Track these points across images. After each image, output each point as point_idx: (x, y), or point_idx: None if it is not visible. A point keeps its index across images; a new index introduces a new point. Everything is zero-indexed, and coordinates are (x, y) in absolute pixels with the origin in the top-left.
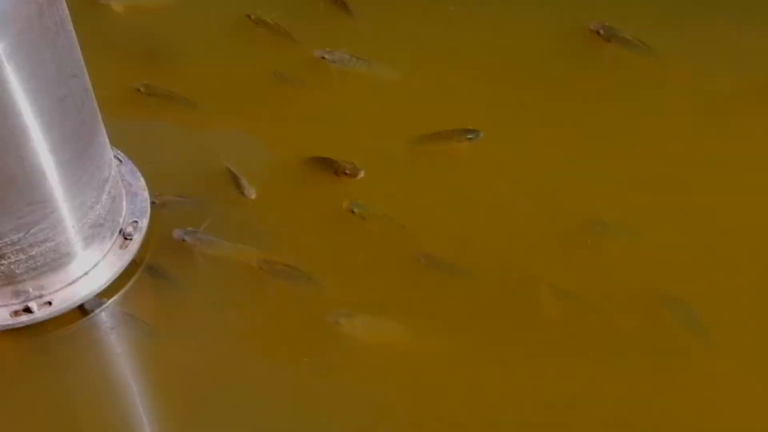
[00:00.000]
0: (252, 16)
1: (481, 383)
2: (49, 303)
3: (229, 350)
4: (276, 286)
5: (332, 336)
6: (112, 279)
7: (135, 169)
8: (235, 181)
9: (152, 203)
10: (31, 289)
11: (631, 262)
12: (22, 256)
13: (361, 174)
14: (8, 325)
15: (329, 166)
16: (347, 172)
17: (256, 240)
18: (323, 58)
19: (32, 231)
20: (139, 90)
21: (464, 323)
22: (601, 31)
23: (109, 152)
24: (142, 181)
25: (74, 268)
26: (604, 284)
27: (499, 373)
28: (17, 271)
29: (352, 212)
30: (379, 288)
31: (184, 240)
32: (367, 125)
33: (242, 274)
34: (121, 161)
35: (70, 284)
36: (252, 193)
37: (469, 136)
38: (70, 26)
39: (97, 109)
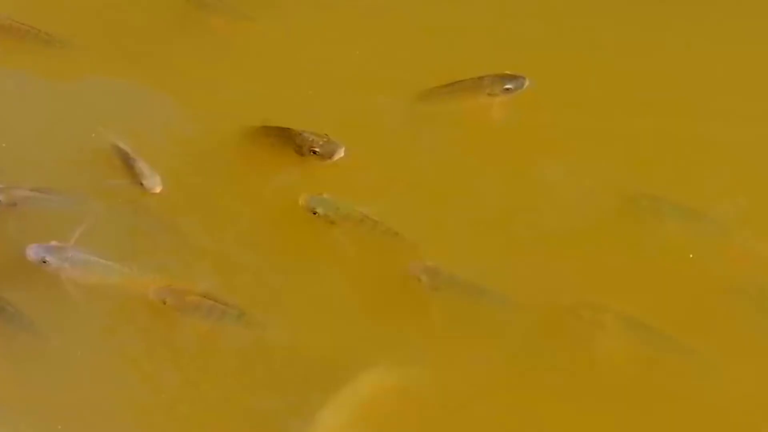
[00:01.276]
0: None
1: None
2: None
3: None
4: (191, 330)
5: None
6: None
7: None
8: (128, 164)
9: None
10: None
11: None
12: None
13: (340, 153)
14: None
15: (288, 140)
16: (316, 149)
17: (159, 258)
18: None
19: None
20: None
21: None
22: None
23: None
24: None
25: None
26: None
27: None
28: None
29: (314, 213)
30: (353, 334)
31: (44, 261)
32: (343, 77)
33: (138, 312)
34: None
35: None
36: (156, 184)
37: (508, 86)
38: None
39: None
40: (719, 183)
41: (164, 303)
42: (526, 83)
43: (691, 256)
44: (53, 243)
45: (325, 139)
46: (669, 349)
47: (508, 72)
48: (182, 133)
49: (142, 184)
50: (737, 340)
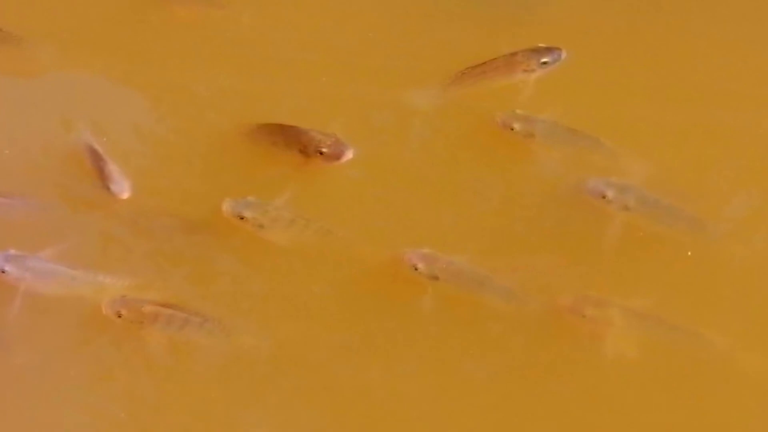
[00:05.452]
0: None
1: None
2: None
3: None
4: (152, 338)
5: None
6: None
7: None
8: (98, 166)
9: None
10: None
11: None
12: None
13: (348, 155)
14: None
15: (292, 139)
16: (323, 150)
17: (127, 266)
18: None
19: None
20: None
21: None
22: None
23: None
24: None
25: None
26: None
27: None
28: None
29: (241, 218)
30: (335, 339)
31: (3, 271)
32: (322, 67)
33: (109, 323)
34: None
35: None
36: (124, 190)
37: (545, 60)
38: None
39: None
40: (723, 178)
41: (119, 316)
42: (564, 55)
43: (689, 253)
44: (11, 251)
45: (333, 139)
46: (681, 340)
47: (542, 45)
48: (152, 130)
49: (109, 188)
50: (746, 328)
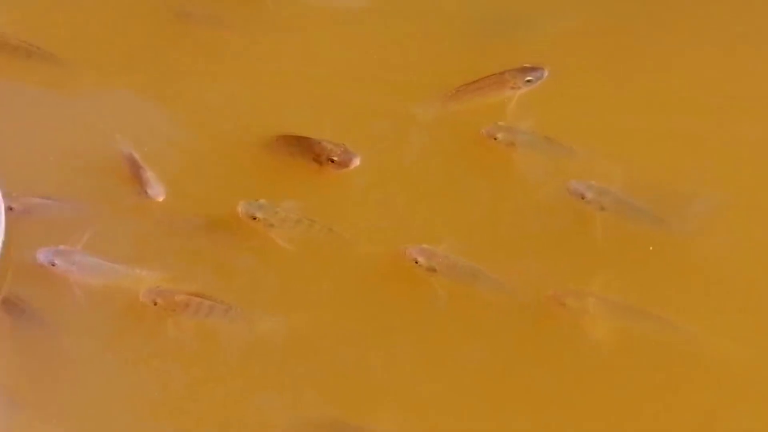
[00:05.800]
0: None
1: None
2: None
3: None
4: (181, 324)
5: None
6: None
7: None
8: (137, 173)
9: (9, 209)
10: None
11: None
12: None
13: (355, 162)
14: None
15: (307, 150)
16: (334, 158)
17: (161, 261)
18: None
19: None
20: None
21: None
22: None
23: None
24: None
25: None
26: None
27: None
28: None
29: (254, 219)
30: (351, 327)
31: (53, 264)
32: (334, 81)
33: (146, 312)
34: None
35: None
36: (160, 193)
37: (529, 78)
38: None
39: None
40: (688, 180)
41: (155, 304)
42: (546, 73)
43: (650, 248)
44: (61, 247)
45: (342, 149)
46: (650, 326)
47: (527, 65)
48: (183, 141)
49: (146, 192)
50: (714, 315)
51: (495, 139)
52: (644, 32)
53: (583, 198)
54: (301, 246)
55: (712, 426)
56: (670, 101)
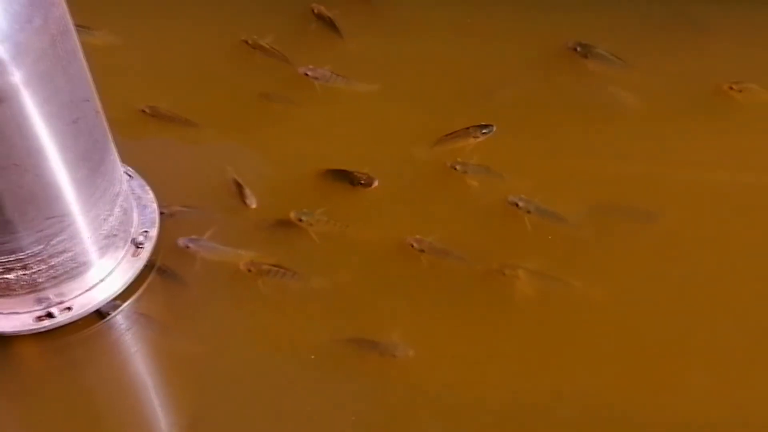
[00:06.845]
0: (249, 41)
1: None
2: (69, 308)
3: (237, 344)
4: (266, 283)
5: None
6: (126, 284)
7: (144, 183)
8: (240, 190)
9: (161, 214)
10: (52, 296)
11: None
12: (43, 266)
13: (375, 183)
14: (32, 329)
15: (344, 177)
16: (362, 182)
17: (255, 246)
18: (306, 75)
19: (52, 243)
20: (144, 111)
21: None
22: (578, 48)
23: (120, 169)
24: (150, 194)
25: (91, 276)
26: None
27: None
28: (39, 280)
29: (300, 221)
30: (370, 285)
31: (188, 247)
32: (367, 140)
33: (242, 276)
34: (131, 176)
35: (88, 290)
36: (253, 203)
37: (485, 131)
38: (81, 54)
39: (108, 130)
40: (583, 188)
41: (249, 271)
42: (494, 129)
43: (549, 237)
44: (193, 236)
45: (366, 176)
46: (561, 287)
47: (483, 123)
48: (264, 172)
49: (245, 202)
50: (604, 282)
51: (455, 169)
52: (571, 103)
53: (516, 205)
54: (338, 237)
55: (597, 352)
56: (586, 148)
